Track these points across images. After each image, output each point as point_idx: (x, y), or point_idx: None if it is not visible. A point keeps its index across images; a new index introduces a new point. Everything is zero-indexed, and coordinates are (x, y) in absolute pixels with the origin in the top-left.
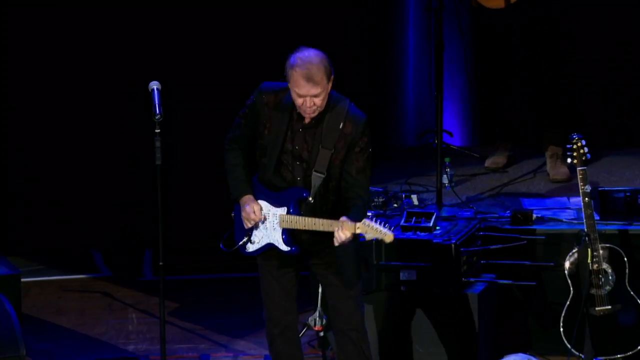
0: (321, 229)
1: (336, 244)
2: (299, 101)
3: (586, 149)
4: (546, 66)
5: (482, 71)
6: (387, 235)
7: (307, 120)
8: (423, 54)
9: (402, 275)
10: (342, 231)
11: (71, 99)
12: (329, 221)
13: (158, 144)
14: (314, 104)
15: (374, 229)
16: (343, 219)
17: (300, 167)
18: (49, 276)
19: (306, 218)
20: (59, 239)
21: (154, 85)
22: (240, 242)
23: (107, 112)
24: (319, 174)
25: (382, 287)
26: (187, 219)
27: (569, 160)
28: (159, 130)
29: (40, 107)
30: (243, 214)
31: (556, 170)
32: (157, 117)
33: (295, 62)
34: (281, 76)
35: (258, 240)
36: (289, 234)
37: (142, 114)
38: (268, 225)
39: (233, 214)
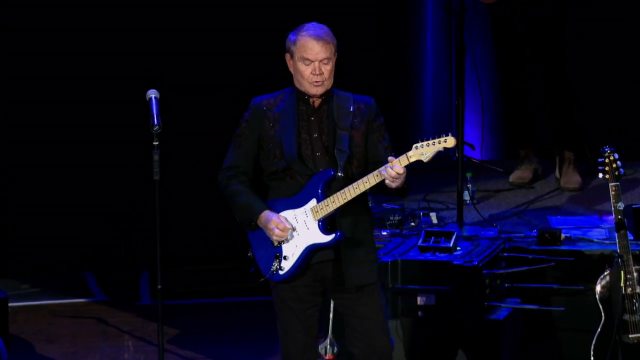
0: (366, 186)
1: (392, 184)
2: (306, 72)
3: (619, 163)
4: (555, 65)
5: (502, 75)
6: (448, 141)
7: (315, 101)
8: (442, 58)
9: (420, 300)
10: (393, 170)
11: (62, 111)
12: (372, 174)
13: (156, 157)
14: (323, 73)
15: (429, 147)
16: (390, 158)
17: (322, 158)
18: (38, 300)
19: (342, 190)
20: (49, 260)
21: (152, 93)
22: (272, 268)
23: (100, 124)
24: (343, 151)
25: (398, 313)
26: (187, 238)
27: (600, 175)
28: (157, 143)
29: (32, 122)
30: (268, 231)
31: (568, 178)
32: (155, 128)
33: (301, 28)
34: (288, 83)
35: (292, 252)
36: (326, 222)
37: (139, 125)
38: (299, 230)
39: (250, 254)
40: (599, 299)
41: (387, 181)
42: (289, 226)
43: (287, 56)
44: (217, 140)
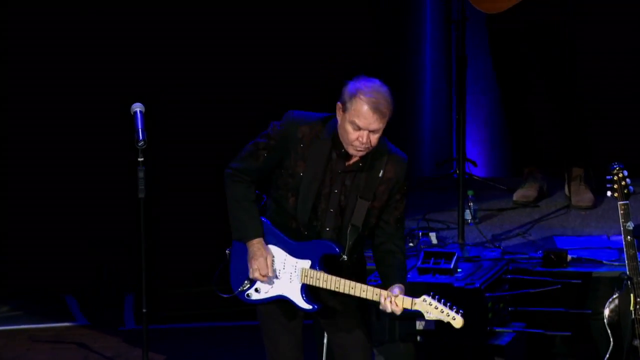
0: (360, 295)
1: (387, 310)
2: (352, 135)
3: (628, 181)
4: (562, 75)
5: (503, 88)
6: (456, 320)
7: (351, 162)
8: (442, 71)
9: (419, 324)
10: (393, 303)
11: (40, 127)
12: (373, 289)
13: (141, 174)
14: (370, 142)
15: (437, 310)
16: (395, 292)
17: (333, 216)
18: (16, 324)
19: (338, 279)
20: (28, 282)
21: (137, 107)
22: (240, 288)
23: (80, 139)
24: (356, 228)
25: (396, 338)
26: (174, 259)
27: (608, 193)
28: (142, 159)
29: (9, 139)
30: (252, 261)
31: (580, 196)
32: (140, 144)
33: (360, 88)
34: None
35: (266, 290)
36: (309, 290)
37: (123, 141)
38: (283, 276)
39: (228, 251)
40: (608, 324)
41: (381, 307)
42: (271, 273)
43: (339, 105)
44: (205, 157)
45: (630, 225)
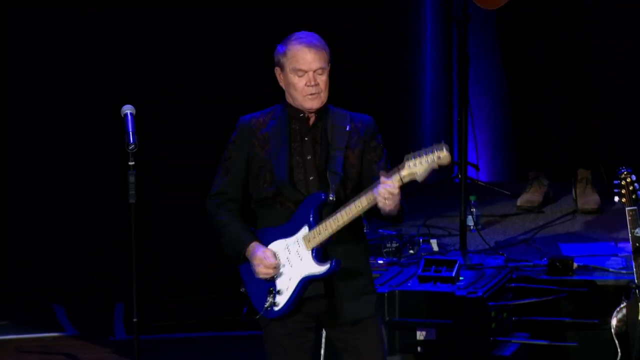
0: (359, 209)
1: (385, 207)
2: (300, 84)
3: (637, 185)
4: (570, 72)
5: (508, 88)
6: (442, 157)
7: (311, 121)
8: (443, 71)
9: (420, 335)
10: (384, 186)
11: (26, 132)
12: (365, 196)
13: (132, 178)
14: (318, 84)
15: (422, 163)
16: (381, 172)
17: (314, 183)
18: (2, 335)
19: (334, 216)
20: (14, 290)
21: (128, 109)
22: (266, 304)
23: (69, 143)
24: (336, 174)
25: (396, 348)
26: (166, 267)
27: (616, 198)
28: (133, 163)
29: None
30: (255, 266)
31: (585, 199)
32: (130, 147)
33: (289, 37)
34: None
35: (286, 286)
36: (320, 251)
37: (114, 144)
38: (292, 261)
39: (243, 289)
40: (615, 334)
41: (379, 204)
42: (274, 262)
43: (277, 70)
44: (196, 159)
45: (638, 231)
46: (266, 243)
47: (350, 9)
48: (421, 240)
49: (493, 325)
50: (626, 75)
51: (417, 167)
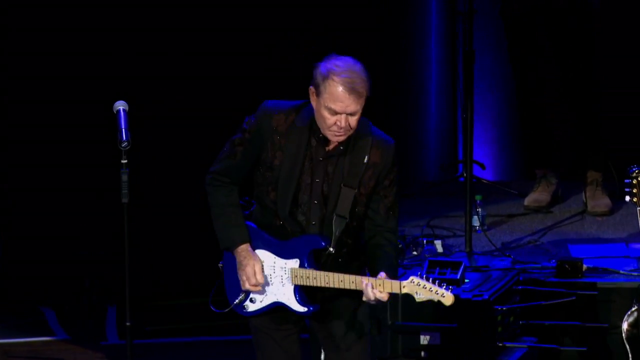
0: (348, 286)
1: (365, 298)
2: (330, 120)
3: None
4: (580, 68)
5: (518, 82)
6: (446, 297)
7: (331, 147)
8: (448, 67)
9: (424, 339)
10: (378, 291)
11: (16, 127)
12: (359, 277)
13: (125, 177)
14: (349, 125)
15: (426, 290)
16: (381, 275)
17: (318, 207)
18: None
19: (327, 274)
20: (2, 293)
21: (120, 105)
22: (236, 301)
23: (59, 141)
24: (342, 218)
25: (399, 353)
26: (159, 269)
27: (627, 198)
28: (125, 161)
29: None
30: (240, 271)
31: (596, 201)
32: (123, 145)
33: (332, 69)
34: (280, 93)
35: (260, 299)
36: (303, 291)
37: (105, 141)
38: (274, 280)
39: (221, 264)
40: (626, 338)
41: (364, 298)
42: (262, 280)
43: (312, 89)
44: (191, 158)
45: None
46: (255, 245)
47: (355, 2)
48: (425, 241)
49: (499, 329)
50: (636, 70)
51: (420, 289)
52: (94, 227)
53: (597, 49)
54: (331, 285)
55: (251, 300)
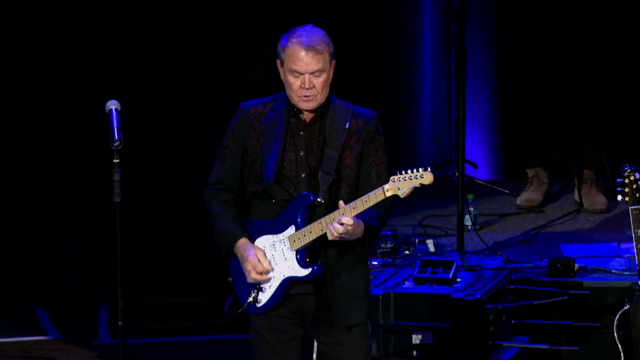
0: (338, 219)
1: (329, 237)
2: (295, 85)
3: None
4: (578, 65)
5: (509, 84)
6: (425, 176)
7: (306, 114)
8: (442, 66)
9: (415, 338)
10: (340, 219)
11: (6, 126)
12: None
13: (117, 177)
14: (314, 87)
15: (405, 180)
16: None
17: (305, 181)
18: None
19: (319, 221)
20: None
21: (112, 105)
22: (250, 299)
23: (50, 140)
24: (327, 174)
25: (391, 353)
26: (152, 268)
27: (619, 197)
28: (117, 160)
29: None
30: (244, 264)
31: (592, 200)
32: (115, 144)
33: (292, 32)
34: (277, 93)
35: (269, 284)
36: (305, 254)
37: (97, 141)
38: (277, 259)
39: (230, 279)
40: (618, 338)
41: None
42: (267, 267)
43: (278, 62)
44: (185, 157)
45: None
46: (254, 236)
47: (349, 1)
48: (417, 240)
49: (491, 328)
50: (630, 68)
51: (401, 184)
52: (86, 227)
53: (597, 49)
54: (325, 230)
55: (262, 290)
